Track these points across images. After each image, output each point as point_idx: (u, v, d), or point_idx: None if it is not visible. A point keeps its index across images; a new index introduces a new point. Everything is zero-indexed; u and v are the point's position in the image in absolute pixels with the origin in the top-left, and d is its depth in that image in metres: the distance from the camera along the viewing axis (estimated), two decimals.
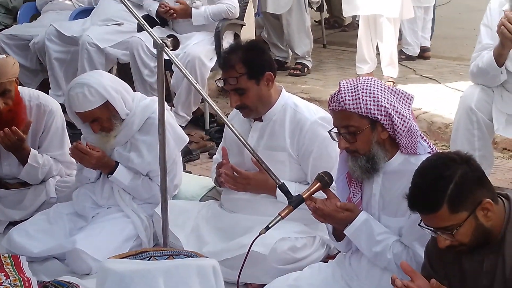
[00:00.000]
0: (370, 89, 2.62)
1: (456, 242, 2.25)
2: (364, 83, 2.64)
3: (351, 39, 7.52)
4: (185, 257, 2.75)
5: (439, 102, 5.65)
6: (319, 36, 7.73)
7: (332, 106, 2.66)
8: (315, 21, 8.17)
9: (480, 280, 2.31)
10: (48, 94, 4.54)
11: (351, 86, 2.65)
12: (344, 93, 2.63)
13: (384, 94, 2.63)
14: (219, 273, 2.69)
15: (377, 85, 2.65)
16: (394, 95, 2.66)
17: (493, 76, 3.78)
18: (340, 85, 2.67)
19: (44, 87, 5.58)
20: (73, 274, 3.32)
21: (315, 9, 7.83)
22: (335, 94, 2.67)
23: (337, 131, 2.69)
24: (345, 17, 8.23)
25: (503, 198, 2.31)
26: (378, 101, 2.60)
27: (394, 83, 5.98)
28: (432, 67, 6.85)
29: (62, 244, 3.43)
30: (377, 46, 6.16)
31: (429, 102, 5.61)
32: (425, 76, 6.50)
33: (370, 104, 2.60)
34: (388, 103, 2.62)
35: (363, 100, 2.60)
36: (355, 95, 2.61)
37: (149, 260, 2.74)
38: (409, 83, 6.17)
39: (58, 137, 3.92)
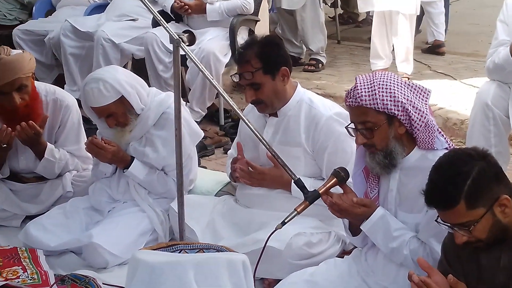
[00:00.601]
0: (386, 84, 2.61)
1: (473, 238, 2.25)
2: (380, 78, 2.63)
3: (365, 35, 7.50)
4: (215, 251, 2.76)
5: (454, 98, 5.64)
6: (333, 32, 7.71)
7: (349, 101, 2.65)
8: (329, 17, 8.15)
9: (497, 277, 2.30)
10: (63, 89, 4.56)
11: (367, 82, 2.63)
12: (361, 89, 2.62)
13: (401, 89, 2.62)
14: (248, 268, 2.69)
15: (394, 80, 2.63)
16: (411, 90, 2.65)
17: (509, 72, 3.76)
18: (356, 81, 2.66)
19: (59, 82, 5.59)
20: (89, 268, 3.34)
21: (329, 4, 7.82)
22: (351, 89, 2.66)
23: (354, 127, 2.68)
24: (359, 13, 8.21)
25: None
26: (394, 96, 2.59)
27: (409, 79, 5.95)
28: (447, 63, 6.83)
29: (78, 238, 3.45)
30: None
31: (444, 98, 5.59)
32: (440, 72, 6.47)
33: (386, 99, 2.59)
34: (405, 98, 2.60)
35: (379, 95, 2.59)
36: (372, 91, 2.60)
37: (179, 253, 2.75)
38: (424, 79, 6.14)
39: (74, 132, 3.92)
